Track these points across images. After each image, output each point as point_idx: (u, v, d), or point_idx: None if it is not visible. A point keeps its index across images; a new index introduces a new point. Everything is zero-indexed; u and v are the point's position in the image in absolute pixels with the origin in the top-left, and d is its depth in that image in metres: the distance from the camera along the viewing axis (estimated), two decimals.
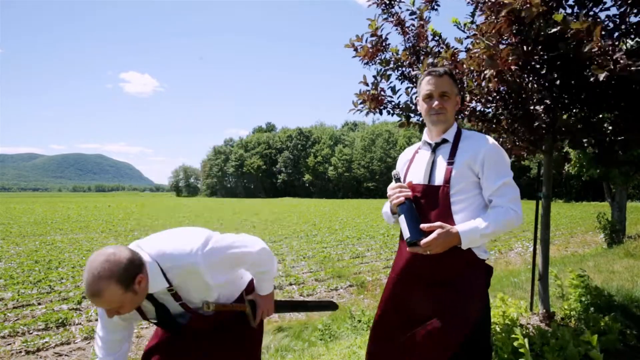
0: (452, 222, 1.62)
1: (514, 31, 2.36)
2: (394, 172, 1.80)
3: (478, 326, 1.62)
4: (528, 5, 2.12)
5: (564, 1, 2.36)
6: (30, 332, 4.44)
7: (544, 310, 3.40)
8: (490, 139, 1.70)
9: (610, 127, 2.79)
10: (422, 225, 1.60)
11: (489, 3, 2.38)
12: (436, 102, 1.70)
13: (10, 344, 4.11)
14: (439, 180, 1.68)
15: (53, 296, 5.74)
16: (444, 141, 1.73)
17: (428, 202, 1.68)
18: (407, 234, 1.61)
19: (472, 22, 3.08)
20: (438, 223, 1.59)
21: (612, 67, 2.00)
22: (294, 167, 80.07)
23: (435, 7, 3.16)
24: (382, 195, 61.66)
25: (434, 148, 1.75)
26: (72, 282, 6.54)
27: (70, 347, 4.08)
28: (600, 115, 2.87)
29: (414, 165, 1.81)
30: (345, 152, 69.77)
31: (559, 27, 2.07)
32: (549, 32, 2.16)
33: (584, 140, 2.90)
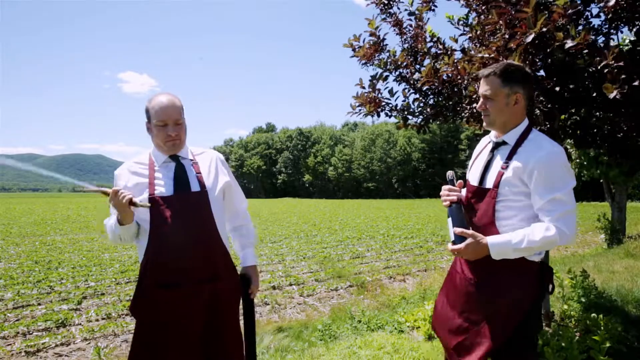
0: (494, 228, 1.65)
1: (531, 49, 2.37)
2: (448, 173, 1.85)
3: (515, 332, 1.63)
4: (552, 36, 2.16)
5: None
6: (30, 332, 4.43)
7: (544, 311, 3.40)
8: (549, 147, 1.58)
9: (609, 127, 2.79)
10: (455, 230, 1.64)
11: (496, 21, 2.38)
12: (478, 104, 1.73)
13: (10, 344, 4.10)
14: (489, 183, 1.69)
15: (53, 296, 5.73)
16: (504, 142, 1.70)
17: (476, 204, 1.71)
18: (451, 237, 1.68)
19: (466, 25, 3.08)
20: (471, 232, 1.62)
21: (623, 87, 2.03)
22: (294, 168, 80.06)
23: (433, 7, 3.17)
24: (382, 195, 61.64)
25: (493, 148, 1.75)
26: (72, 282, 6.53)
27: (70, 347, 4.07)
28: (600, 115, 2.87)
29: (477, 161, 1.83)
30: (345, 152, 69.74)
31: (572, 44, 2.10)
32: (565, 48, 2.19)
33: (588, 139, 2.90)
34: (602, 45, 2.26)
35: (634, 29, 2.41)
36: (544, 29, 2.13)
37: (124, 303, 5.34)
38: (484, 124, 1.76)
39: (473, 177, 1.80)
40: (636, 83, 2.05)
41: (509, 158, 1.64)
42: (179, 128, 1.76)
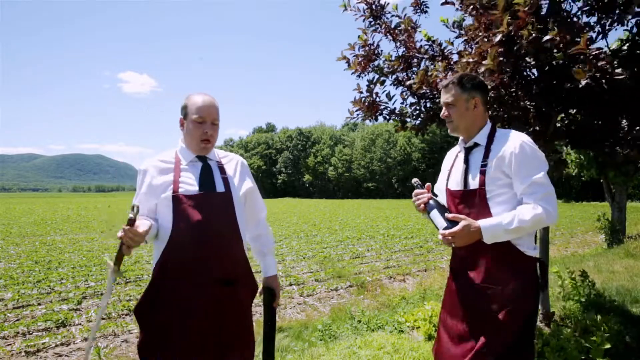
0: None
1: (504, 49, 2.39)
2: (412, 180, 1.93)
3: (519, 333, 1.65)
4: (520, 32, 2.19)
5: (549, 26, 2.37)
6: (30, 332, 4.43)
7: (544, 311, 3.40)
8: (520, 138, 1.69)
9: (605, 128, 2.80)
10: (447, 215, 1.70)
11: (478, 26, 2.42)
12: (441, 113, 1.85)
13: (10, 344, 4.10)
14: (473, 184, 1.75)
15: (53, 296, 5.73)
16: (476, 145, 1.80)
17: (467, 207, 1.76)
18: (443, 224, 1.70)
19: (460, 27, 3.08)
20: (462, 215, 1.68)
21: (594, 73, 2.05)
22: (294, 168, 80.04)
23: (425, 9, 3.16)
24: (382, 195, 61.59)
25: (467, 152, 1.83)
26: (72, 282, 6.53)
27: (70, 347, 4.08)
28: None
29: (454, 171, 1.89)
30: (345, 152, 69.71)
31: (545, 41, 2.12)
32: (540, 45, 2.21)
33: (582, 141, 2.90)
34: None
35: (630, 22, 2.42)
36: (511, 28, 2.17)
37: (123, 303, 5.34)
38: (449, 130, 1.86)
39: (454, 183, 1.86)
40: (604, 63, 2.06)
41: (486, 156, 1.74)
42: (215, 129, 1.77)
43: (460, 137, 1.88)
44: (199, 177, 1.76)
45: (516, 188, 1.67)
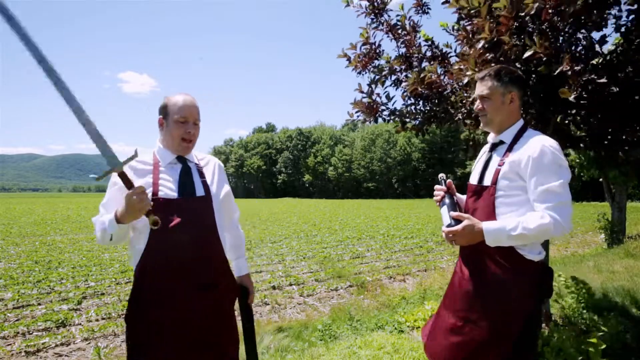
0: None
1: (490, 57, 2.39)
2: (439, 175, 1.96)
3: (519, 334, 1.65)
4: (500, 38, 2.21)
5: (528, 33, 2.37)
6: (30, 332, 4.43)
7: (544, 311, 3.40)
8: (543, 141, 1.62)
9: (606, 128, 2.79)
10: (452, 213, 1.71)
11: (466, 35, 2.44)
12: (475, 105, 1.81)
13: (10, 344, 4.10)
14: (487, 180, 1.75)
15: (53, 296, 5.73)
16: (501, 142, 1.78)
17: (476, 202, 1.77)
18: (448, 221, 1.73)
19: (458, 30, 3.09)
20: (467, 215, 1.68)
21: (582, 88, 2.05)
22: (294, 168, 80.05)
23: (427, 10, 3.17)
24: (382, 195, 61.57)
25: (491, 148, 1.82)
26: (72, 282, 6.53)
27: (70, 347, 4.08)
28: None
29: (476, 166, 1.90)
30: (345, 152, 69.72)
31: (529, 54, 2.14)
32: (522, 58, 2.22)
33: (581, 143, 2.90)
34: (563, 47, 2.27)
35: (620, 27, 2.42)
36: (494, 34, 2.18)
37: (123, 303, 5.34)
38: (481, 124, 1.82)
39: (473, 177, 1.87)
40: (587, 77, 2.06)
41: (506, 155, 1.71)
42: (196, 128, 1.77)
43: (491, 133, 1.84)
44: (178, 179, 1.74)
45: (529, 192, 1.62)
